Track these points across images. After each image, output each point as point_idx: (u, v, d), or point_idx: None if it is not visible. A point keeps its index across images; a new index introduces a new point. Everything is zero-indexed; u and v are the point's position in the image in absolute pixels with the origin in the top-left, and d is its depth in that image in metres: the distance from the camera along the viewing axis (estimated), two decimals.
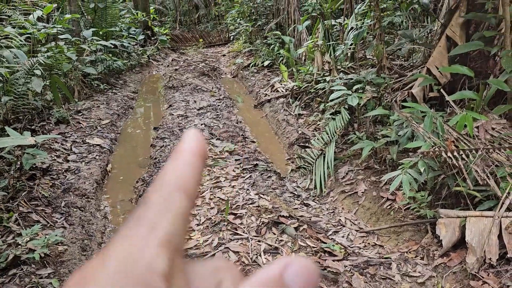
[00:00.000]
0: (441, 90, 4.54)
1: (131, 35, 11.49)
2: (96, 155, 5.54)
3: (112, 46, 9.23)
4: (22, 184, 4.27)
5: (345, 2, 7.37)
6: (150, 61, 12.18)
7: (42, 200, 4.20)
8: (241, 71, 10.61)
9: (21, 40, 5.96)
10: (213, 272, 0.29)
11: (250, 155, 5.56)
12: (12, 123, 5.41)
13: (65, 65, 6.79)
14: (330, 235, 3.90)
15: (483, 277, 2.98)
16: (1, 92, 5.39)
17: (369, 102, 5.27)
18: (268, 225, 3.82)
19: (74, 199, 4.40)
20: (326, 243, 3.66)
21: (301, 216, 4.12)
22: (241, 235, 3.71)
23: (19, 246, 3.41)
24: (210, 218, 4.00)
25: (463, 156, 3.42)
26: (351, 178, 4.76)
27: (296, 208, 4.38)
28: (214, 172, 5.02)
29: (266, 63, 9.72)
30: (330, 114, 5.95)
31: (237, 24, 12.58)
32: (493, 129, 3.87)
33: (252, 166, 5.21)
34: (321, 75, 6.92)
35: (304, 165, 5.33)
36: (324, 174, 4.93)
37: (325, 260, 3.43)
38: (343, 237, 3.89)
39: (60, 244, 3.60)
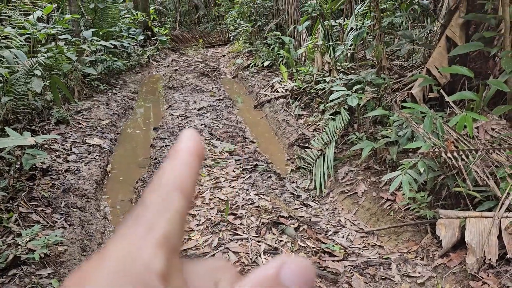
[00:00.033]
0: (441, 90, 4.54)
1: (131, 36, 11.50)
2: (96, 156, 5.55)
3: (112, 47, 9.24)
4: (22, 184, 4.27)
5: (345, 3, 7.37)
6: (150, 62, 12.18)
7: (42, 201, 4.20)
8: (241, 72, 10.61)
9: (21, 41, 5.96)
10: (211, 271, 0.29)
11: (250, 156, 5.56)
12: (12, 124, 5.41)
13: (65, 65, 6.80)
14: (330, 235, 3.90)
15: (482, 278, 2.98)
16: (1, 93, 5.40)
17: (369, 102, 5.28)
18: (268, 225, 3.83)
19: (74, 200, 4.40)
20: (326, 243, 3.66)
21: (301, 216, 4.12)
22: (241, 235, 3.71)
23: (19, 247, 3.40)
24: (210, 218, 4.00)
25: (463, 156, 3.42)
26: (351, 178, 4.76)
27: (296, 209, 4.39)
28: (214, 172, 5.02)
29: (266, 63, 9.73)
30: (330, 115, 5.95)
31: (237, 25, 12.59)
32: (492, 129, 3.87)
33: (252, 166, 5.21)
34: (321, 75, 6.93)
35: (304, 165, 5.33)
36: (324, 174, 4.93)
37: (325, 260, 3.43)
38: (343, 237, 3.89)
39: (60, 244, 3.60)
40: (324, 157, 5.12)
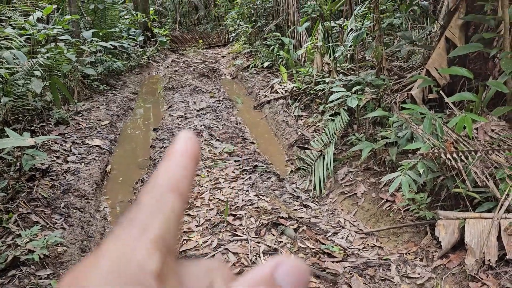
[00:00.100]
0: (441, 91, 4.55)
1: (131, 36, 11.50)
2: (96, 156, 5.54)
3: (112, 47, 9.24)
4: (21, 185, 4.27)
5: (345, 4, 7.38)
6: (149, 62, 12.18)
7: (42, 201, 4.20)
8: (241, 72, 10.61)
9: (21, 41, 5.96)
10: (206, 272, 0.29)
11: (249, 156, 5.56)
12: (11, 124, 5.41)
13: (64, 66, 6.80)
14: (329, 236, 3.90)
15: (482, 279, 2.98)
16: (1, 93, 5.40)
17: (369, 103, 5.28)
18: (268, 226, 3.83)
19: (73, 200, 4.40)
20: (325, 244, 3.66)
21: (301, 217, 4.12)
22: (240, 236, 3.71)
23: (19, 247, 3.40)
24: (210, 219, 4.00)
25: (462, 157, 3.42)
26: (351, 179, 4.76)
27: (296, 209, 4.39)
28: (214, 173, 5.02)
29: (265, 64, 9.73)
30: (330, 116, 5.95)
31: (236, 25, 12.60)
32: (492, 130, 3.87)
33: (251, 167, 5.21)
34: (321, 76, 6.93)
35: (303, 166, 5.33)
36: (323, 175, 4.94)
37: (324, 261, 3.43)
38: (342, 238, 3.89)
39: (59, 245, 3.60)
40: (323, 158, 5.12)
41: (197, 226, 3.92)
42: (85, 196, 4.57)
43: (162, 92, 9.46)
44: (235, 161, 5.39)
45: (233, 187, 4.68)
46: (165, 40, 13.79)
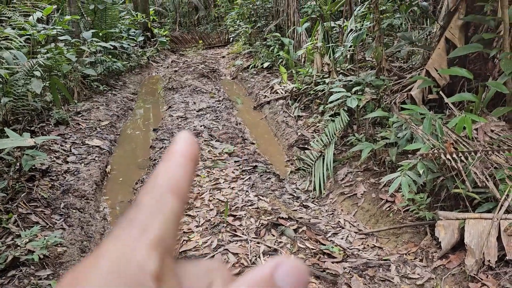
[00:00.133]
0: (440, 92, 4.55)
1: (130, 37, 11.50)
2: (96, 157, 5.54)
3: (112, 48, 9.24)
4: (21, 185, 4.27)
5: (345, 4, 7.38)
6: (149, 63, 12.19)
7: (42, 201, 4.20)
8: (241, 73, 10.62)
9: (20, 42, 5.96)
10: (205, 272, 0.29)
11: (249, 157, 5.56)
12: (11, 124, 5.41)
13: (64, 66, 6.80)
14: (329, 237, 3.90)
15: (482, 279, 2.98)
16: (0, 93, 5.40)
17: (368, 104, 5.28)
18: (267, 226, 3.83)
19: (73, 201, 4.40)
20: (325, 245, 3.66)
21: (300, 217, 4.12)
22: (240, 236, 3.71)
23: (18, 248, 3.40)
24: (209, 219, 4.00)
25: (462, 158, 3.43)
26: (350, 179, 4.76)
27: (295, 210, 4.39)
28: (214, 173, 5.02)
29: (265, 64, 9.73)
30: (330, 116, 5.95)
31: (236, 26, 12.60)
32: (492, 131, 3.87)
33: (251, 167, 5.21)
34: (321, 77, 6.93)
35: (303, 166, 5.33)
36: (323, 175, 4.94)
37: (324, 262, 3.43)
38: (342, 239, 3.89)
39: (59, 245, 3.60)
40: (323, 159, 5.12)
41: (197, 226, 3.92)
42: (85, 197, 4.57)
43: (162, 92, 9.46)
44: (235, 161, 5.39)
45: (233, 187, 4.68)
46: (165, 40, 13.79)
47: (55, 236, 3.58)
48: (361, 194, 4.47)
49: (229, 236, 3.73)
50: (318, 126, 6.17)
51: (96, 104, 7.54)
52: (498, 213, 3.14)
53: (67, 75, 7.31)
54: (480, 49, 4.23)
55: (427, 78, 4.63)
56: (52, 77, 6.27)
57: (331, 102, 5.35)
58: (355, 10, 7.01)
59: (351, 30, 6.64)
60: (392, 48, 6.56)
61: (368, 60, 7.41)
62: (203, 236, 3.76)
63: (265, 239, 3.67)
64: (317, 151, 5.31)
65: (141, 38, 12.11)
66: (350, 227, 4.11)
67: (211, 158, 5.45)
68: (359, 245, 3.81)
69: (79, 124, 6.45)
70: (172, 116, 7.45)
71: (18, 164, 4.40)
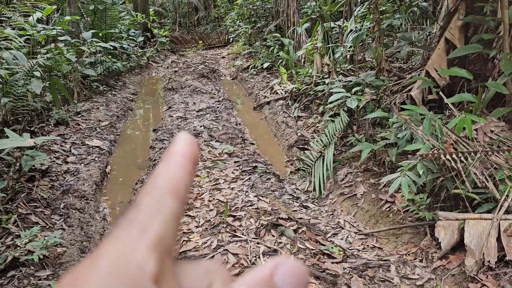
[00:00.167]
0: (440, 92, 4.55)
1: (130, 37, 11.50)
2: (95, 157, 5.54)
3: (112, 48, 9.24)
4: (21, 185, 4.27)
5: (345, 5, 7.39)
6: (149, 63, 12.19)
7: (41, 202, 4.19)
8: (241, 73, 10.62)
9: (20, 42, 5.96)
10: (204, 273, 0.29)
11: (249, 157, 5.56)
12: (11, 125, 5.41)
13: (64, 66, 6.80)
14: (329, 237, 3.90)
15: (481, 280, 2.98)
16: (0, 94, 5.40)
17: (368, 104, 5.28)
18: (267, 227, 3.83)
19: (73, 201, 4.40)
20: (325, 245, 3.66)
21: (300, 218, 4.12)
22: (240, 237, 3.71)
23: (18, 248, 3.40)
24: (209, 220, 4.00)
25: (462, 158, 3.43)
26: (350, 180, 4.76)
27: (295, 210, 4.39)
28: (213, 174, 5.02)
29: (265, 65, 9.73)
30: (329, 116, 5.95)
31: (236, 26, 12.60)
32: (491, 131, 3.87)
33: (251, 168, 5.21)
34: (321, 77, 6.94)
35: (303, 167, 5.33)
36: (323, 176, 4.94)
37: (324, 262, 3.43)
38: (342, 239, 3.89)
39: (59, 245, 3.60)
40: (323, 159, 5.12)
41: (196, 227, 3.92)
42: (85, 197, 4.56)
43: (162, 92, 9.46)
44: (235, 162, 5.39)
45: (232, 188, 4.68)
46: (164, 41, 13.80)
47: (55, 237, 3.58)
48: (361, 194, 4.47)
49: (229, 236, 3.72)
50: (318, 126, 6.17)
51: (96, 104, 7.54)
52: (498, 213, 3.14)
53: (67, 75, 7.31)
54: (480, 49, 4.24)
55: (427, 78, 4.63)
56: (52, 78, 6.27)
57: (331, 102, 5.35)
58: (355, 10, 7.01)
59: (351, 31, 6.64)
60: (392, 48, 6.56)
61: (368, 61, 7.41)
62: (203, 236, 3.76)
63: (265, 240, 3.67)
64: (317, 152, 5.31)
65: (141, 39, 12.11)
66: (350, 227, 4.11)
67: (211, 159, 5.45)
68: (359, 246, 3.81)
69: (79, 125, 6.45)
70: (172, 116, 7.45)
71: (18, 164, 4.40)
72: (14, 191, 4.16)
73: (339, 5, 7.30)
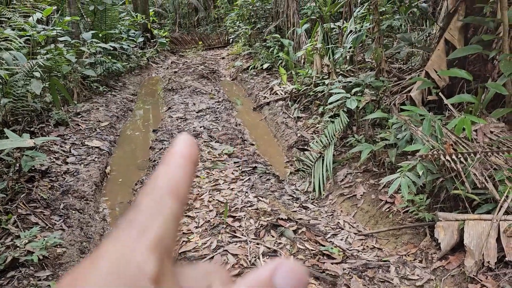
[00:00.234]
0: (440, 93, 4.55)
1: (130, 38, 11.50)
2: (95, 157, 5.54)
3: (112, 49, 9.24)
4: (21, 186, 4.27)
5: (344, 6, 7.39)
6: (149, 64, 12.19)
7: (41, 202, 4.19)
8: (240, 74, 10.62)
9: (20, 42, 5.97)
10: (204, 275, 0.29)
11: (249, 158, 5.56)
12: (11, 125, 5.41)
13: (64, 67, 6.80)
14: (328, 238, 3.90)
15: (481, 280, 2.98)
16: (0, 94, 5.40)
17: (368, 105, 5.29)
18: (267, 227, 3.83)
19: (73, 201, 4.40)
20: (324, 246, 3.66)
21: (300, 219, 4.12)
22: (239, 237, 3.71)
23: (18, 248, 3.40)
24: (209, 220, 4.00)
25: (462, 159, 3.43)
26: (350, 181, 4.76)
27: (295, 211, 4.39)
28: (213, 174, 5.02)
29: (265, 66, 9.74)
30: (329, 117, 5.96)
31: (236, 27, 12.61)
32: (491, 132, 3.88)
33: (251, 168, 5.21)
34: (320, 78, 6.94)
35: (303, 168, 5.33)
36: (323, 177, 4.94)
37: (324, 263, 3.43)
38: (341, 240, 3.89)
39: (58, 246, 3.60)
40: (323, 160, 5.12)
41: (196, 227, 3.92)
42: (85, 197, 4.56)
43: (162, 93, 9.47)
44: (235, 162, 5.39)
45: (232, 188, 4.68)
46: (164, 41, 13.80)
47: (55, 237, 3.58)
48: (361, 195, 4.47)
49: (229, 237, 3.72)
50: (318, 127, 6.17)
51: (96, 105, 7.54)
52: (497, 214, 3.14)
53: (67, 76, 7.31)
54: (479, 50, 4.24)
55: (427, 79, 4.63)
56: (52, 78, 6.27)
57: (330, 103, 5.35)
58: (354, 11, 7.01)
59: (350, 32, 6.64)
60: (392, 49, 6.57)
61: (368, 61, 7.41)
62: (203, 237, 3.76)
63: (265, 240, 3.67)
64: (317, 152, 5.31)
65: (140, 39, 12.11)
66: (350, 228, 4.11)
67: (210, 159, 5.45)
68: (358, 246, 3.81)
69: (79, 125, 6.45)
70: (172, 117, 7.45)
71: (17, 165, 4.40)
72: (14, 191, 4.16)
73: (339, 6, 7.31)
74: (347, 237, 3.93)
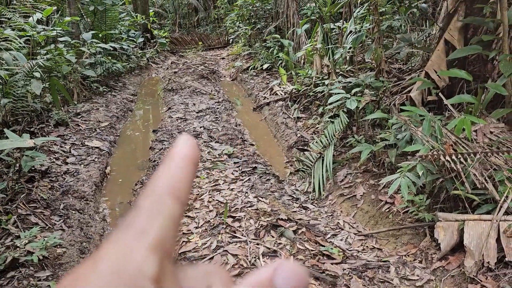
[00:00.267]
0: (440, 93, 4.56)
1: (130, 38, 11.51)
2: (95, 158, 5.54)
3: (112, 49, 9.25)
4: (21, 186, 4.27)
5: (344, 6, 7.40)
6: (149, 64, 12.19)
7: (41, 203, 4.19)
8: (240, 74, 10.62)
9: (20, 43, 5.97)
10: (204, 276, 0.29)
11: (249, 158, 5.56)
12: (11, 125, 5.41)
13: (64, 67, 6.80)
14: (328, 238, 3.90)
15: (481, 281, 2.98)
16: (0, 94, 5.40)
17: (368, 105, 5.29)
18: (267, 228, 3.83)
19: (73, 202, 4.40)
20: (324, 246, 3.66)
21: (300, 219, 4.12)
22: (239, 238, 3.71)
23: (18, 249, 3.40)
24: (209, 221, 4.00)
25: (461, 159, 3.43)
26: (350, 181, 4.77)
27: (295, 211, 4.39)
28: (213, 175, 5.02)
29: (265, 66, 9.74)
30: (329, 117, 5.96)
31: (236, 27, 12.61)
32: (491, 132, 3.88)
33: (251, 169, 5.21)
34: (320, 78, 6.94)
35: (302, 168, 5.34)
36: (322, 177, 4.94)
37: (324, 263, 3.43)
38: (341, 240, 3.90)
39: (58, 246, 3.60)
40: (323, 160, 5.12)
41: (196, 227, 3.92)
42: (85, 198, 4.56)
43: (162, 93, 9.47)
44: (235, 162, 5.40)
45: (232, 188, 4.68)
46: (164, 41, 13.80)
47: (55, 237, 3.58)
48: (361, 195, 4.47)
49: (229, 237, 3.72)
50: (318, 127, 6.17)
51: (96, 105, 7.55)
52: (497, 214, 3.14)
53: (67, 76, 7.31)
54: (479, 51, 4.24)
55: (427, 79, 4.63)
56: (52, 78, 6.27)
57: (330, 103, 5.36)
58: (354, 11, 7.02)
59: (350, 32, 6.64)
60: (392, 49, 6.57)
61: (368, 62, 7.41)
62: (203, 237, 3.76)
63: (265, 241, 3.67)
64: (317, 153, 5.31)
65: (140, 40, 12.11)
66: (350, 228, 4.11)
67: (210, 160, 5.45)
68: (358, 247, 3.81)
69: (79, 125, 6.45)
70: (172, 117, 7.46)
71: (17, 165, 4.40)
72: (14, 191, 4.16)
73: (339, 6, 7.31)
74: (347, 238, 3.93)
